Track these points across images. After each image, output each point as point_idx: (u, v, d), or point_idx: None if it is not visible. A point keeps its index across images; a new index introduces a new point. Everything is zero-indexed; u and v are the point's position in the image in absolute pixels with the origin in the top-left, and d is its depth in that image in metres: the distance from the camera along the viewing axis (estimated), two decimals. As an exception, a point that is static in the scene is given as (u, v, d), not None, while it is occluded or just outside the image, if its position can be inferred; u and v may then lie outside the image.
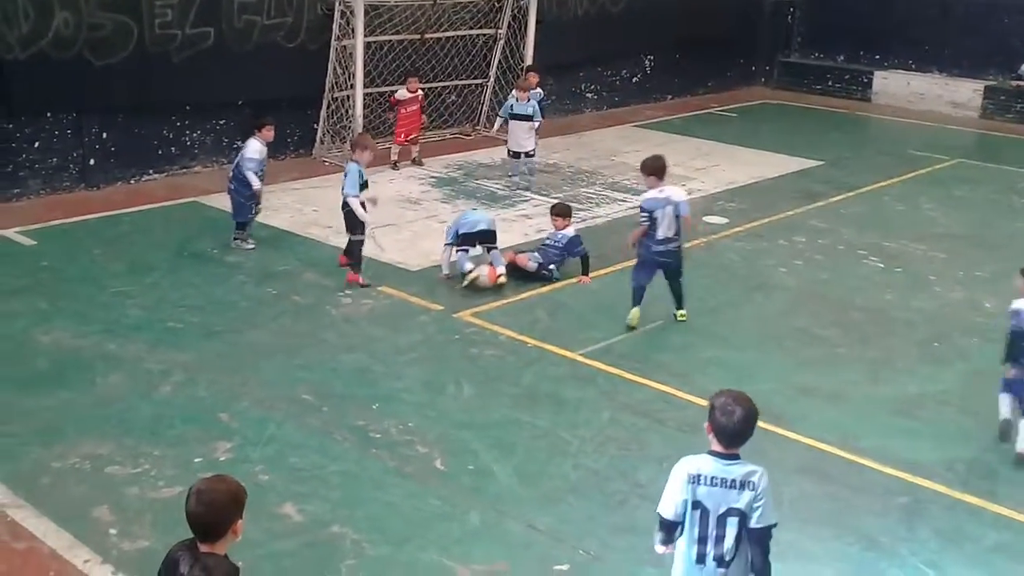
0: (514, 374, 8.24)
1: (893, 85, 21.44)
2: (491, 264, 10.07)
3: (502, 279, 9.98)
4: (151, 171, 13.29)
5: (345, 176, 9.82)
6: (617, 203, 13.23)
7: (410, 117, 14.11)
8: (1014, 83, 20.30)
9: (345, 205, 9.76)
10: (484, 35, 16.23)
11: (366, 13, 13.79)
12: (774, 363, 8.70)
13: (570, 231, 10.45)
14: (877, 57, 22.07)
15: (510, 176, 13.91)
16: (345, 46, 14.05)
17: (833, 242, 11.92)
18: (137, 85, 12.56)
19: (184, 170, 13.59)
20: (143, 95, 12.75)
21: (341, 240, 10.98)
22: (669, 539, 4.48)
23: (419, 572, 5.76)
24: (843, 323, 9.60)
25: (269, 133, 10.93)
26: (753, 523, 4.34)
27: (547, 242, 10.52)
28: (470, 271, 9.90)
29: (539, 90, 14.13)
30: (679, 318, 9.38)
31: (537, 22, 16.11)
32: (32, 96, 11.90)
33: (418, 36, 15.17)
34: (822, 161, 15.86)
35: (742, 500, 4.32)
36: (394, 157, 14.18)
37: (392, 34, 14.83)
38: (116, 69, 12.33)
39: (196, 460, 6.74)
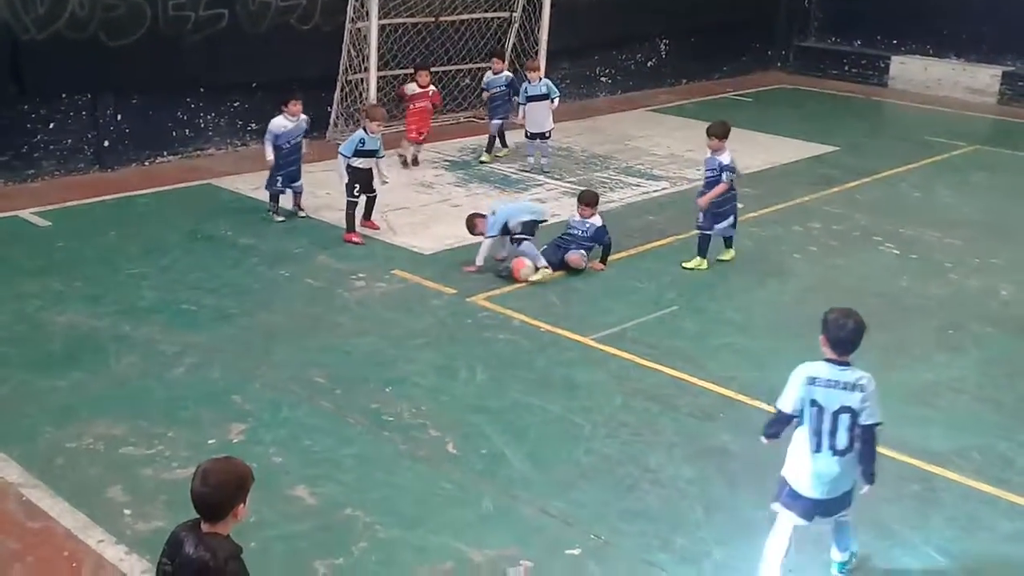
0: (527, 358, 8.24)
1: (910, 70, 21.27)
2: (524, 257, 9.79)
3: (537, 273, 9.71)
4: (165, 153, 13.31)
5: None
6: (631, 187, 13.19)
7: (421, 113, 13.50)
8: (1033, 69, 20.13)
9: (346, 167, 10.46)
10: (499, 18, 16.16)
11: (381, -5, 13.75)
12: (788, 350, 8.61)
13: (597, 220, 10.22)
14: (894, 42, 21.90)
15: (526, 159, 13.88)
16: (359, 28, 14.01)
17: (848, 228, 11.87)
18: (151, 67, 12.56)
19: (198, 152, 13.61)
20: (157, 77, 12.75)
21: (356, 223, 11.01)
22: (778, 433, 5.44)
23: (431, 555, 5.77)
24: (858, 310, 9.50)
25: (294, 107, 10.90)
26: (863, 420, 5.23)
27: (572, 231, 10.25)
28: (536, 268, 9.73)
29: (507, 73, 14.32)
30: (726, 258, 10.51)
31: (552, 5, 16.03)
32: (48, 77, 11.91)
33: (432, 19, 15.12)
34: (838, 147, 15.77)
35: (853, 400, 5.21)
36: (407, 154, 13.57)
37: (406, 16, 14.78)
38: (130, 50, 12.31)
39: (210, 442, 6.76)
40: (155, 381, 7.59)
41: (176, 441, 6.78)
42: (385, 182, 11.01)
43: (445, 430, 7.08)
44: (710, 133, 10.30)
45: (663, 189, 13.24)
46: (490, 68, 14.51)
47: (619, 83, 19.34)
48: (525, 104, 13.62)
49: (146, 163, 13.13)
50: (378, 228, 10.96)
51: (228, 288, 9.33)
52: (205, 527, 3.90)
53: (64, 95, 12.31)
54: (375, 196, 10.92)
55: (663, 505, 6.35)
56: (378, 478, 6.50)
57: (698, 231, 10.43)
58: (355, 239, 10.55)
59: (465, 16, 15.59)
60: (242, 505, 3.89)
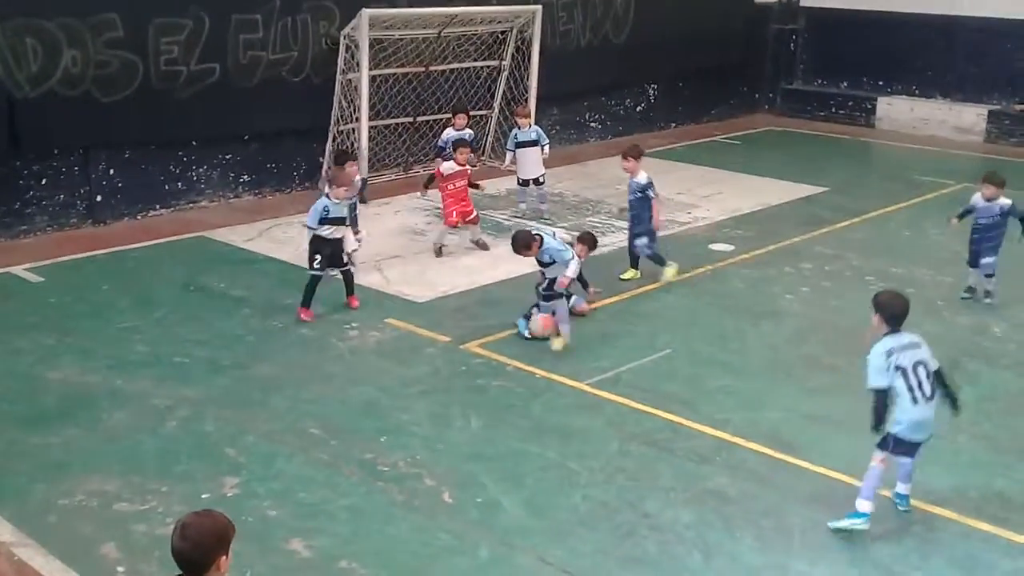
0: (522, 405, 8.21)
1: (896, 111, 21.46)
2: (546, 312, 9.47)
3: (557, 341, 9.32)
4: (158, 206, 13.35)
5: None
6: (623, 232, 13.19)
7: (458, 194, 11.93)
8: (1018, 107, 20.31)
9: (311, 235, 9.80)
10: (488, 67, 16.32)
11: (371, 47, 13.87)
12: (783, 391, 8.66)
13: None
14: (880, 83, 22.11)
15: (518, 205, 13.93)
16: (350, 79, 14.13)
17: (840, 268, 11.90)
18: (143, 121, 12.65)
19: (191, 205, 13.65)
20: (149, 131, 12.83)
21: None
22: (884, 415, 6.41)
23: (428, 607, 5.72)
24: (852, 350, 9.50)
25: (341, 192, 9.87)
26: (932, 367, 6.50)
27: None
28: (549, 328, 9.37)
29: (469, 130, 13.40)
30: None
31: (541, 52, 16.18)
32: (41, 134, 11.99)
33: (423, 68, 15.26)
34: (827, 187, 15.85)
35: (921, 354, 6.46)
36: (442, 242, 12.05)
37: (397, 67, 14.92)
38: (123, 106, 12.41)
39: (204, 496, 6.71)
40: (148, 436, 7.55)
41: (170, 496, 6.73)
42: (355, 250, 10.37)
43: (440, 479, 7.04)
44: (626, 155, 11.15)
45: (655, 233, 13.25)
46: (451, 125, 13.38)
47: (609, 128, 19.48)
48: (514, 151, 13.69)
49: (139, 217, 13.17)
50: (357, 306, 10.11)
51: (221, 340, 9.32)
52: None
53: (56, 151, 12.37)
54: (349, 271, 10.08)
55: (661, 551, 6.30)
56: (373, 529, 6.45)
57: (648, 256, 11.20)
58: (305, 316, 9.73)
59: (455, 65, 15.73)
60: (224, 558, 3.87)
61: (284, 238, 12.39)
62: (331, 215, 9.72)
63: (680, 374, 8.91)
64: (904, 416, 6.43)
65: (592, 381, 8.63)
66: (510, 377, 8.71)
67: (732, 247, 12.64)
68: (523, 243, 9.43)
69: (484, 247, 12.23)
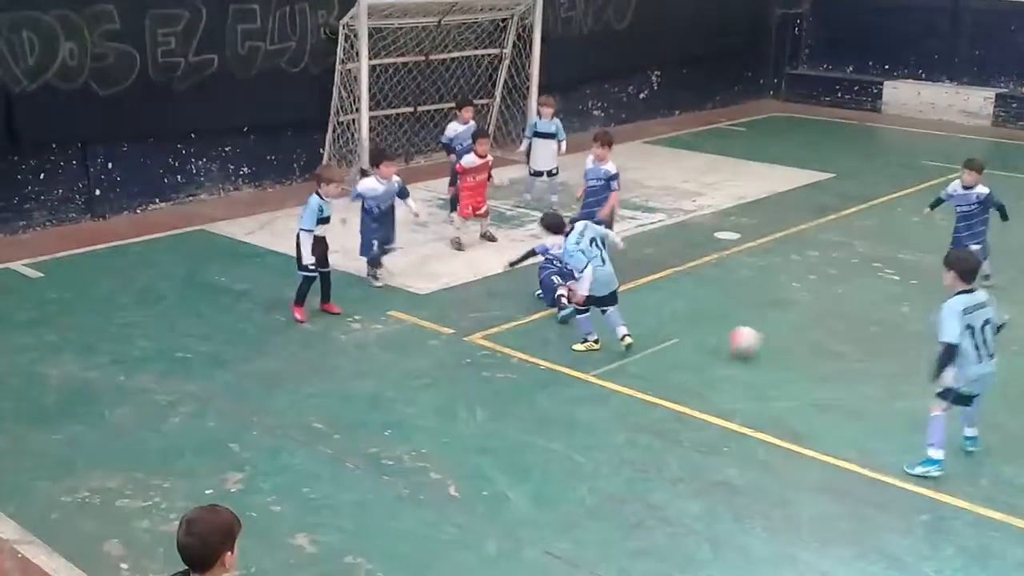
0: (527, 397, 8.15)
1: (903, 95, 21.32)
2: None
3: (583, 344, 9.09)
4: (157, 200, 13.27)
5: (304, 208, 9.45)
6: (627, 220, 13.13)
7: (477, 187, 11.86)
8: (1028, 90, 20.19)
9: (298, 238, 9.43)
10: (489, 55, 16.21)
11: (370, 36, 13.76)
12: (790, 380, 8.58)
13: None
14: (886, 67, 21.97)
15: (524, 195, 13.81)
16: (350, 69, 14.03)
17: (847, 255, 11.80)
18: (142, 114, 12.56)
19: (191, 198, 13.57)
20: (148, 124, 12.75)
21: (350, 264, 10.95)
22: (950, 363, 6.82)
23: (434, 603, 5.66)
24: (859, 338, 9.47)
25: (387, 170, 10.13)
26: (996, 322, 7.03)
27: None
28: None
29: (472, 123, 12.85)
30: None
31: (543, 40, 16.07)
32: (39, 128, 11.90)
33: (423, 58, 15.16)
34: (833, 174, 15.75)
35: (988, 312, 6.96)
36: (457, 234, 11.97)
37: (396, 56, 14.81)
38: (121, 98, 12.33)
39: (207, 492, 6.65)
40: (150, 432, 7.49)
41: (173, 492, 6.68)
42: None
43: (446, 472, 6.97)
44: (602, 142, 10.82)
45: (660, 221, 13.20)
46: (457, 118, 12.87)
47: (612, 116, 19.36)
48: (531, 139, 13.46)
49: (138, 211, 13.08)
50: (339, 312, 9.74)
51: (223, 335, 9.25)
52: None
53: (54, 145, 12.29)
54: (329, 273, 9.76)
55: (670, 543, 6.23)
56: (379, 524, 6.39)
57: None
58: (299, 315, 9.52)
59: (456, 54, 15.62)
60: (230, 553, 3.83)
61: (285, 231, 12.25)
62: (324, 214, 9.46)
63: (686, 364, 8.83)
64: (967, 372, 6.87)
65: (598, 372, 8.56)
66: (515, 369, 8.64)
67: (738, 235, 12.54)
68: (554, 224, 9.27)
69: (492, 239, 12.15)
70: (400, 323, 9.58)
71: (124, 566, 5.94)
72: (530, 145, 13.53)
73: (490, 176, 12.08)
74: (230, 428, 7.53)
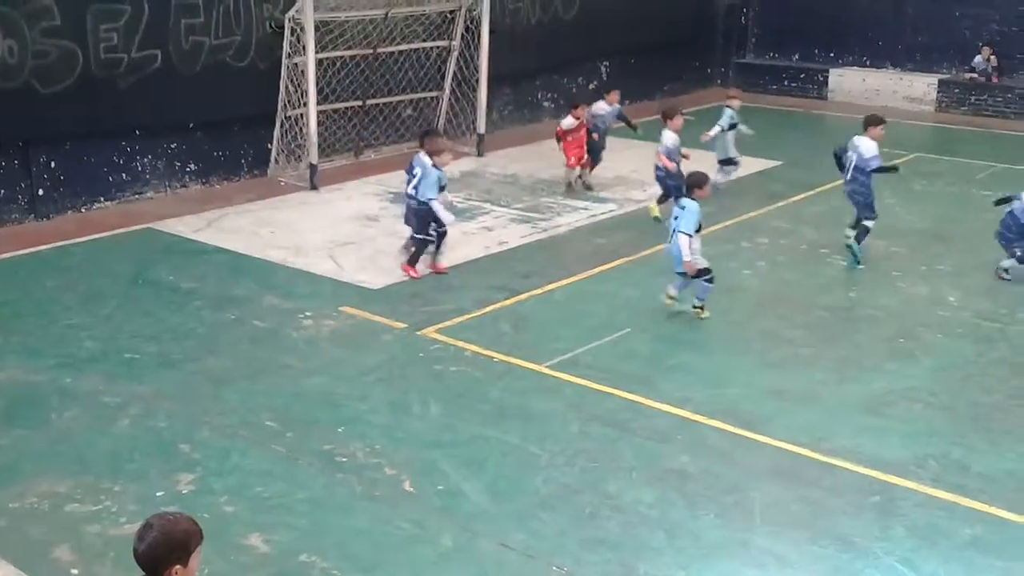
0: (481, 390, 8.13)
1: (848, 82, 21.58)
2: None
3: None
4: (102, 199, 13.04)
5: (421, 179, 10.33)
6: (579, 211, 13.17)
7: (579, 141, 13.93)
8: (968, 76, 20.51)
9: (422, 206, 10.32)
10: (438, 47, 16.15)
11: (316, 29, 13.63)
12: (742, 367, 8.66)
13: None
14: (831, 55, 22.22)
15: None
16: (296, 63, 13.90)
17: (796, 242, 11.93)
18: (85, 112, 12.32)
19: (137, 196, 13.36)
20: (91, 122, 12.51)
21: (302, 262, 10.88)
22: None
23: (390, 599, 5.64)
24: (809, 323, 9.58)
25: (436, 152, 10.53)
26: None
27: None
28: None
29: (617, 105, 14.63)
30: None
31: (491, 32, 16.04)
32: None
33: (371, 51, 15.06)
34: (781, 161, 15.90)
35: None
36: (570, 179, 14.12)
37: (344, 50, 14.70)
38: (63, 96, 12.08)
39: (158, 494, 6.57)
40: (99, 434, 7.37)
41: (123, 495, 6.58)
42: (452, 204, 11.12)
43: (401, 468, 6.95)
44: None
45: (611, 211, 13.24)
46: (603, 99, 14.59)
47: (562, 107, 19.27)
48: (727, 130, 14.05)
49: (83, 210, 12.84)
50: (446, 271, 10.71)
51: (171, 334, 9.12)
52: None
53: (-5, 145, 12.04)
54: (445, 233, 10.69)
55: (624, 532, 6.26)
56: (334, 521, 6.35)
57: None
58: (413, 273, 10.53)
59: (404, 46, 15.54)
60: (179, 567, 3.72)
61: (233, 227, 12.18)
62: (443, 183, 10.44)
63: (639, 353, 8.87)
64: None
65: (551, 363, 8.56)
66: (468, 362, 8.62)
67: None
68: (698, 182, 9.64)
69: (589, 188, 14.10)
70: (352, 318, 9.52)
71: (75, 572, 5.84)
72: (721, 135, 14.13)
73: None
74: (180, 429, 7.44)
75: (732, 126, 14.12)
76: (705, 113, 20.21)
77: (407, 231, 10.82)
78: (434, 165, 10.37)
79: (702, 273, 9.47)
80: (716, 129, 14.11)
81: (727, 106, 14.24)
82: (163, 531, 3.73)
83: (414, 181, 10.43)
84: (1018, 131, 18.88)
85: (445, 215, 10.42)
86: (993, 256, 11.05)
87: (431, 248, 10.64)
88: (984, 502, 6.61)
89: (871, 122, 11.49)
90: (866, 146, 11.25)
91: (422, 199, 10.36)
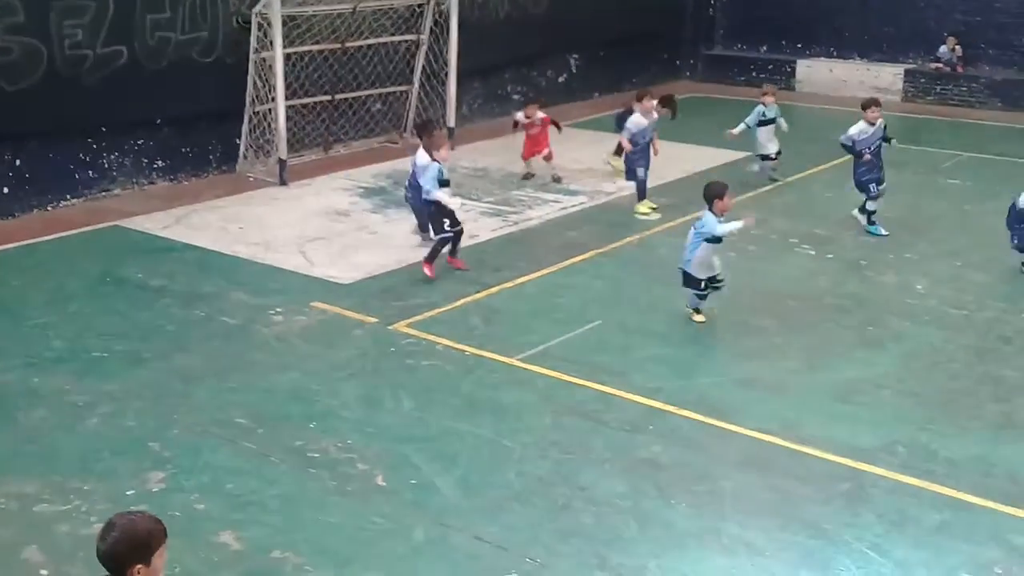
0: (453, 384, 8.13)
1: (816, 73, 21.71)
2: None
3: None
4: (69, 196, 12.90)
5: (421, 175, 10.35)
6: (549, 204, 13.18)
7: (532, 139, 14.37)
8: (933, 66, 20.69)
9: (429, 204, 10.27)
10: (406, 41, 16.10)
11: (284, 24, 13.54)
12: (712, 357, 8.70)
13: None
14: (799, 46, 22.34)
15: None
16: (264, 58, 13.81)
17: (765, 232, 11.97)
18: (50, 109, 12.18)
19: (104, 193, 13.23)
20: (56, 119, 12.37)
21: (272, 258, 10.82)
22: None
23: (363, 594, 5.63)
24: (779, 313, 9.64)
25: (438, 146, 10.47)
26: None
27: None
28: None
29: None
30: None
31: (459, 25, 16.00)
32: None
33: (339, 45, 14.99)
34: (750, 152, 15.93)
35: None
36: (529, 170, 14.39)
37: (312, 44, 14.62)
38: (27, 93, 11.94)
39: (128, 493, 6.51)
40: (67, 433, 7.31)
41: (93, 494, 6.52)
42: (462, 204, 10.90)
43: (373, 462, 6.93)
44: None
45: (581, 204, 13.26)
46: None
47: (532, 100, 19.31)
48: (755, 127, 14.04)
49: (49, 208, 12.70)
50: (466, 268, 10.60)
51: (140, 332, 9.05)
52: None
53: (-41, 144, 11.90)
54: (462, 231, 10.59)
55: (597, 523, 6.28)
56: (306, 517, 6.33)
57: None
58: (429, 272, 10.24)
59: (372, 40, 15.47)
60: (142, 566, 3.70)
61: (202, 224, 12.09)
62: (444, 177, 10.26)
63: (610, 345, 8.90)
64: None
65: (522, 356, 8.57)
66: (440, 356, 8.61)
67: (659, 215, 12.66)
68: (717, 193, 9.39)
69: (558, 181, 14.15)
70: (323, 313, 9.49)
71: (44, 572, 5.79)
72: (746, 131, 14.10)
73: (557, 125, 14.63)
74: (150, 427, 7.38)
75: (764, 122, 14.04)
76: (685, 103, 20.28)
77: (378, 225, 10.77)
78: (433, 159, 10.33)
79: (693, 285, 9.39)
80: (741, 127, 14.10)
81: (760, 102, 14.14)
82: (124, 530, 3.71)
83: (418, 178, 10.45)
84: (983, 120, 19.09)
85: (451, 201, 10.22)
86: (960, 244, 11.18)
87: (448, 247, 10.51)
88: (951, 487, 6.67)
89: (863, 104, 12.22)
90: (853, 127, 11.92)
91: (426, 197, 10.25)
